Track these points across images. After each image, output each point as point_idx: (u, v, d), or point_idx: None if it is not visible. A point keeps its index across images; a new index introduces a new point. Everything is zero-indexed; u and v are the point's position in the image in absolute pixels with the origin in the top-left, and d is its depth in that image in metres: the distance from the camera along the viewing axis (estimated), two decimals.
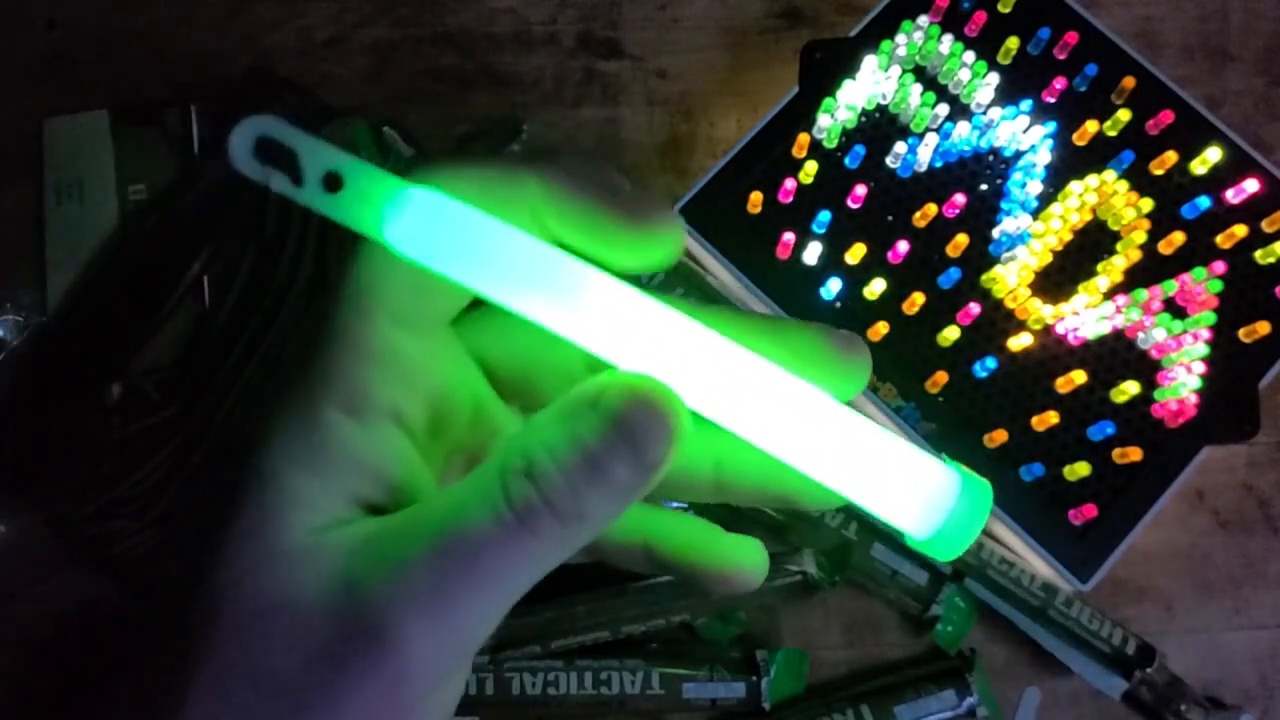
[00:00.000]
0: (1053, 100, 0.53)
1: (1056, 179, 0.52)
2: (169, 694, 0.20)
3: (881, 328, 0.50)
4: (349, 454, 0.20)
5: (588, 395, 0.20)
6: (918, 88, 0.53)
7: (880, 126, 0.53)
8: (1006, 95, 0.53)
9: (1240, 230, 0.51)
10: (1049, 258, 0.51)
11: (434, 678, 0.20)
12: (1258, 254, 0.51)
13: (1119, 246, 0.51)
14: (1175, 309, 0.51)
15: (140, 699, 0.22)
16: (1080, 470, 0.48)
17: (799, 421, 0.20)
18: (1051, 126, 0.52)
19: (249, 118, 0.21)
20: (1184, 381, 0.50)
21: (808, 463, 0.20)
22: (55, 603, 0.51)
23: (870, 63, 0.52)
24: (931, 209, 0.51)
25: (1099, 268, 0.51)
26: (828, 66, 0.53)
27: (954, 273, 0.51)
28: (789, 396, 0.20)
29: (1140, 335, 0.50)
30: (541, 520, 0.19)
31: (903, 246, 0.51)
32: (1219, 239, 0.51)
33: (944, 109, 0.52)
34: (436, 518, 0.19)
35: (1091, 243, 0.52)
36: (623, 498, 0.20)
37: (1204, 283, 0.51)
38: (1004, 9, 0.54)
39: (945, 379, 0.50)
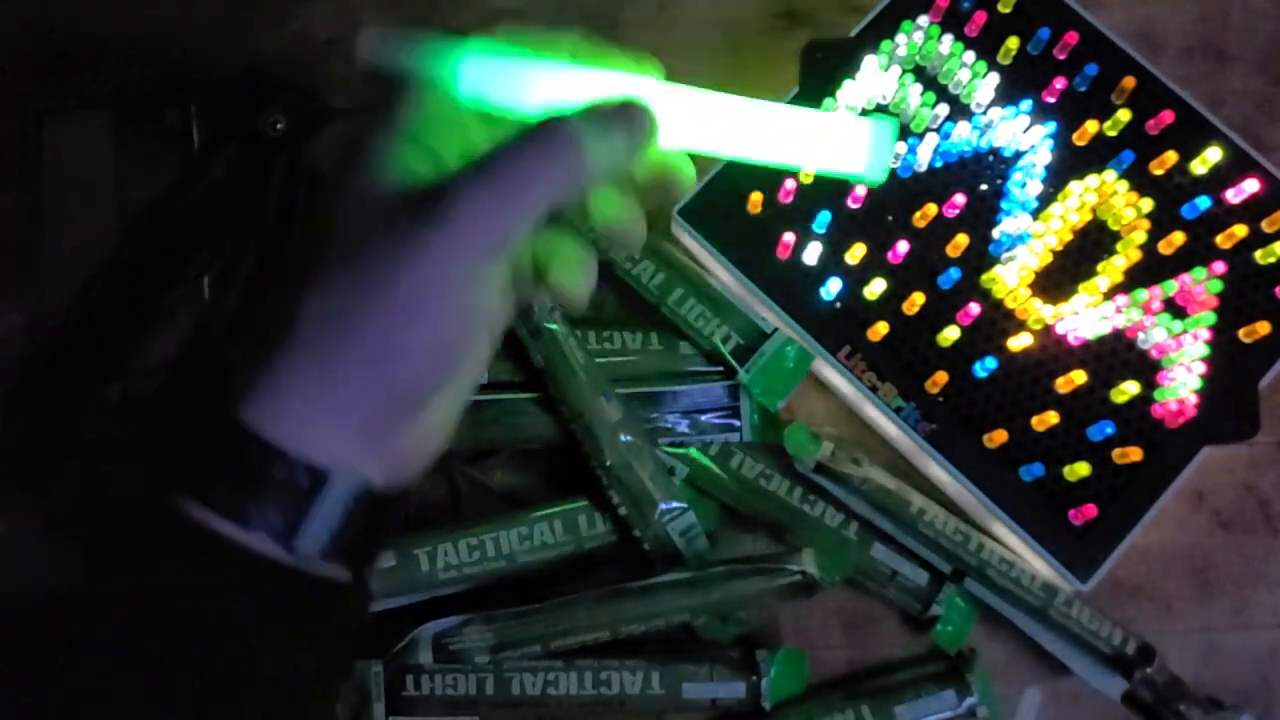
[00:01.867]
0: (1053, 100, 0.53)
1: (1056, 179, 0.52)
2: (283, 282, 0.28)
3: (881, 328, 0.50)
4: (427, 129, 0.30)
5: (607, 101, 0.30)
6: (918, 88, 0.53)
7: None
8: (1006, 95, 0.53)
9: (1240, 230, 0.51)
10: (1049, 258, 0.51)
11: (485, 249, 0.28)
12: (1258, 254, 0.51)
13: (1119, 246, 0.51)
14: (1175, 309, 0.51)
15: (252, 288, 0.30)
16: (1080, 470, 0.48)
17: (754, 123, 0.33)
18: (1051, 126, 0.52)
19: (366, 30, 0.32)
20: (1184, 381, 0.50)
21: (764, 152, 0.32)
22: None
23: (870, 63, 0.52)
24: (931, 209, 0.51)
25: (1099, 268, 0.51)
26: (828, 66, 0.53)
27: (954, 273, 0.51)
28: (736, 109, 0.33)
29: (1140, 335, 0.50)
30: (561, 146, 0.28)
31: (903, 246, 0.51)
32: (1219, 239, 0.51)
33: (944, 109, 0.52)
34: (491, 150, 0.28)
35: (1091, 243, 0.52)
36: (618, 155, 0.29)
37: (1204, 283, 0.51)
38: (1004, 9, 0.54)
39: (945, 379, 0.50)
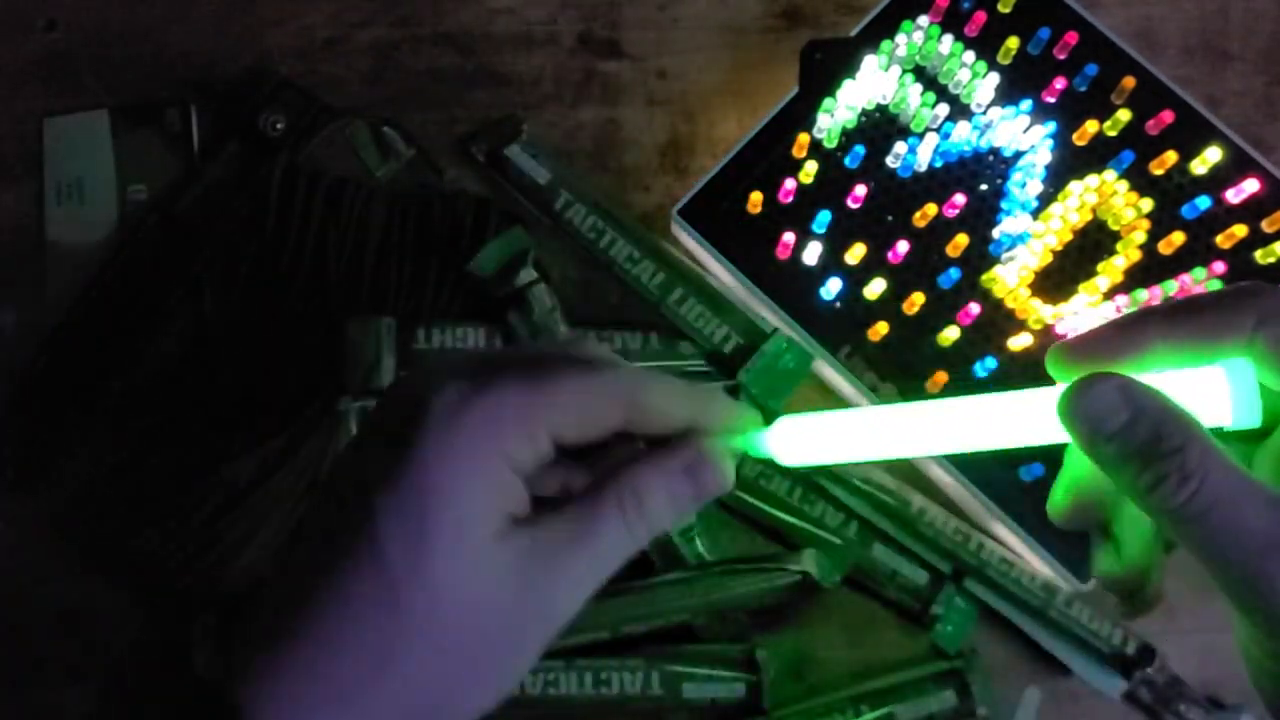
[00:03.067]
0: (1053, 100, 0.53)
1: (1056, 179, 0.52)
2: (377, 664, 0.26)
3: (881, 328, 0.50)
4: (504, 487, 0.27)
5: (678, 455, 0.29)
6: (918, 88, 0.53)
7: (880, 126, 0.53)
8: (1006, 95, 0.53)
9: (1240, 230, 0.51)
10: (1049, 258, 0.51)
11: (576, 599, 0.27)
12: (1258, 254, 0.51)
13: (1119, 246, 0.51)
14: None
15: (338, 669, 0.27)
16: None
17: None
18: (1051, 126, 0.52)
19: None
20: None
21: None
22: (56, 603, 0.51)
23: (870, 63, 0.52)
24: (931, 209, 0.51)
25: (1099, 268, 0.51)
26: (828, 66, 0.52)
27: (954, 273, 0.51)
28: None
29: None
30: (638, 525, 0.28)
31: (903, 246, 0.51)
32: (1219, 239, 0.51)
33: (944, 109, 0.52)
34: (575, 529, 0.27)
35: (1091, 243, 0.52)
36: (684, 515, 0.33)
37: (1204, 283, 0.51)
38: (1004, 9, 0.54)
39: (945, 379, 0.50)
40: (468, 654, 0.26)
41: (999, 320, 0.51)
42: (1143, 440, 0.25)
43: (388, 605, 0.25)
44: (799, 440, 0.30)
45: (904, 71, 0.53)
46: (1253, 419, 0.26)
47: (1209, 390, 0.26)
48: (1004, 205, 0.52)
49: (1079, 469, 0.32)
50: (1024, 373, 0.50)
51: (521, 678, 0.29)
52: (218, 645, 0.27)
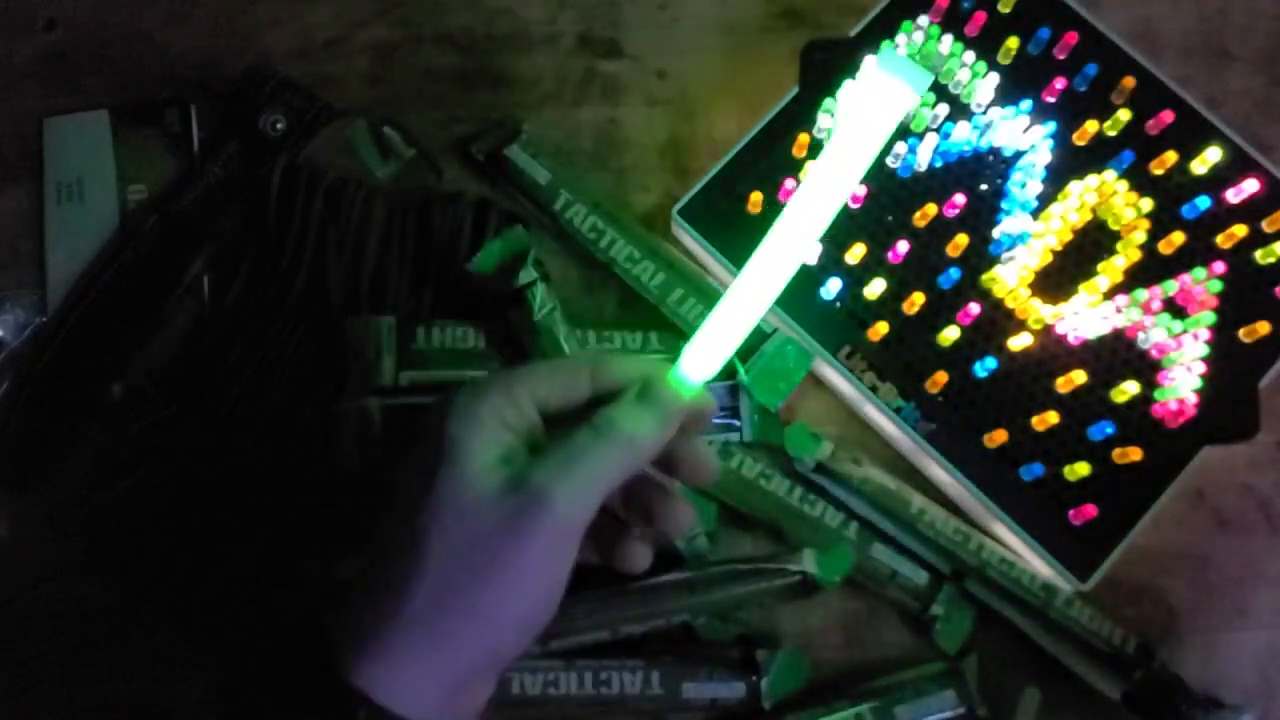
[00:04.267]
0: (1053, 100, 0.53)
1: (1056, 179, 0.52)
2: (393, 581, 0.33)
3: (881, 328, 0.50)
4: (502, 426, 0.35)
5: (635, 393, 0.36)
6: None
7: None
8: (1006, 95, 0.53)
9: (1240, 230, 0.51)
10: (1049, 258, 0.51)
11: (573, 530, 0.33)
12: (1258, 254, 0.51)
13: (1119, 246, 0.51)
14: (1175, 309, 0.51)
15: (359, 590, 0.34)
16: (1080, 470, 0.48)
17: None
18: (1051, 126, 0.52)
19: None
20: (1184, 381, 0.50)
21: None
22: (55, 603, 0.51)
23: (870, 63, 0.52)
24: (931, 209, 0.51)
25: (1099, 268, 0.51)
26: (828, 66, 0.53)
27: (954, 273, 0.51)
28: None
29: (1140, 335, 0.50)
30: (619, 438, 0.34)
31: (903, 246, 0.51)
32: (1219, 239, 0.51)
33: (944, 109, 0.52)
34: (562, 447, 0.34)
35: (1091, 243, 0.52)
36: (656, 432, 0.35)
37: (1204, 283, 0.51)
38: (1004, 9, 0.54)
39: (945, 379, 0.50)
40: (480, 545, 0.32)
41: (999, 320, 0.51)
42: None
43: (410, 526, 0.33)
44: (697, 357, 0.37)
45: None
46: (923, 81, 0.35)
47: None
48: (1004, 205, 0.52)
49: None
50: (1024, 373, 0.50)
51: (541, 577, 0.33)
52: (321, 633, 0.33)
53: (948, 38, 0.53)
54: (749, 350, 0.51)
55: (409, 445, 0.37)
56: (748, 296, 0.37)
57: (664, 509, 0.38)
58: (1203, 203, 0.51)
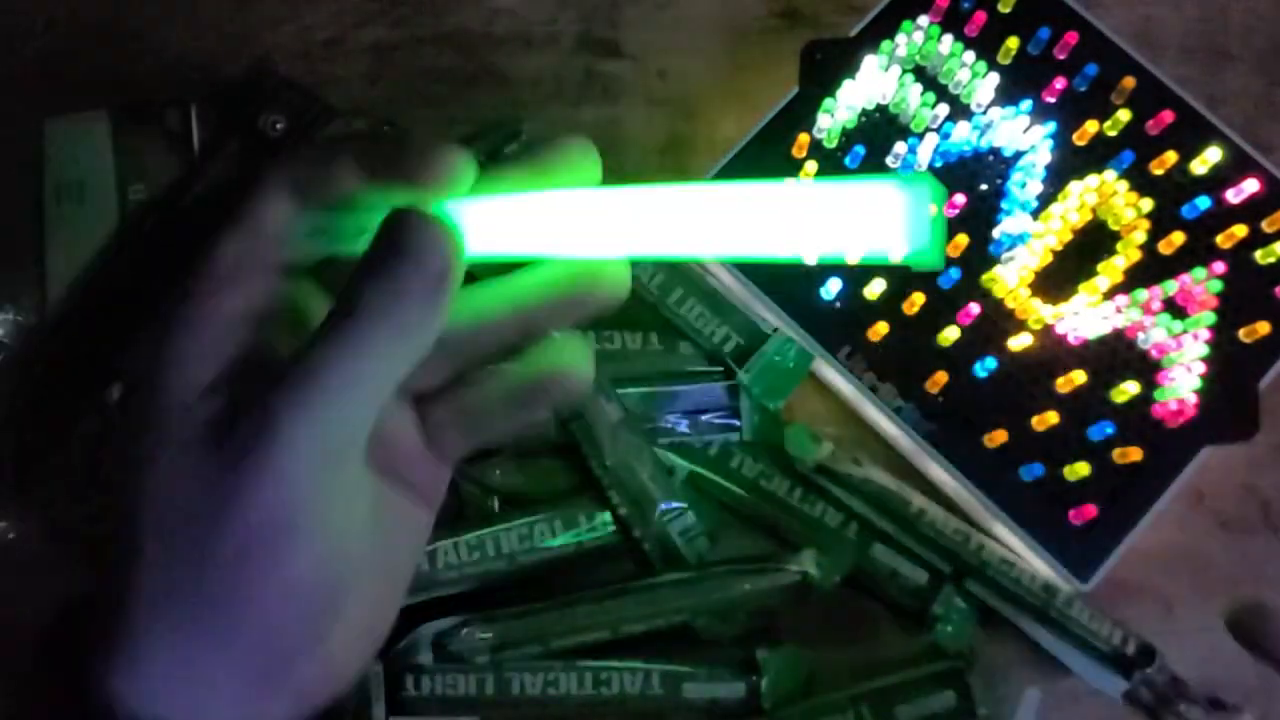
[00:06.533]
0: (1053, 100, 0.53)
1: (1056, 179, 0.52)
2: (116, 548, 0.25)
3: (881, 328, 0.50)
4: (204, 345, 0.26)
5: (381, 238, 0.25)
6: (918, 88, 0.53)
7: (880, 126, 0.53)
8: (1006, 95, 0.53)
9: (1240, 230, 0.51)
10: (1049, 258, 0.51)
11: (312, 470, 0.24)
12: (1258, 254, 0.51)
13: (1119, 246, 0.51)
14: (1175, 309, 0.51)
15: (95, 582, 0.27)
16: (1080, 470, 0.48)
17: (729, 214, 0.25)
18: (1051, 126, 0.52)
19: None
20: (1184, 381, 0.50)
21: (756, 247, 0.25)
22: (56, 603, 0.51)
23: (870, 63, 0.52)
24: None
25: (1099, 268, 0.51)
26: (828, 66, 0.53)
27: (954, 273, 0.51)
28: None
29: (1140, 335, 0.50)
30: (360, 334, 0.24)
31: None
32: (1219, 239, 0.51)
33: (944, 109, 0.52)
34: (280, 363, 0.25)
35: (1091, 243, 0.52)
36: (421, 302, 0.25)
37: (1204, 283, 0.51)
38: (1004, 9, 0.54)
39: (945, 379, 0.50)
40: (198, 507, 0.24)
41: (999, 320, 0.51)
42: None
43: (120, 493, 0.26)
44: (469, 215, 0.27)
45: (904, 71, 0.53)
46: (935, 256, 0.23)
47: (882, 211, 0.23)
48: (1004, 205, 0.52)
49: None
50: (1024, 373, 0.50)
51: (304, 539, 0.24)
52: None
53: (948, 38, 0.53)
54: (749, 350, 0.51)
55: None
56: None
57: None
58: (1203, 203, 0.51)
